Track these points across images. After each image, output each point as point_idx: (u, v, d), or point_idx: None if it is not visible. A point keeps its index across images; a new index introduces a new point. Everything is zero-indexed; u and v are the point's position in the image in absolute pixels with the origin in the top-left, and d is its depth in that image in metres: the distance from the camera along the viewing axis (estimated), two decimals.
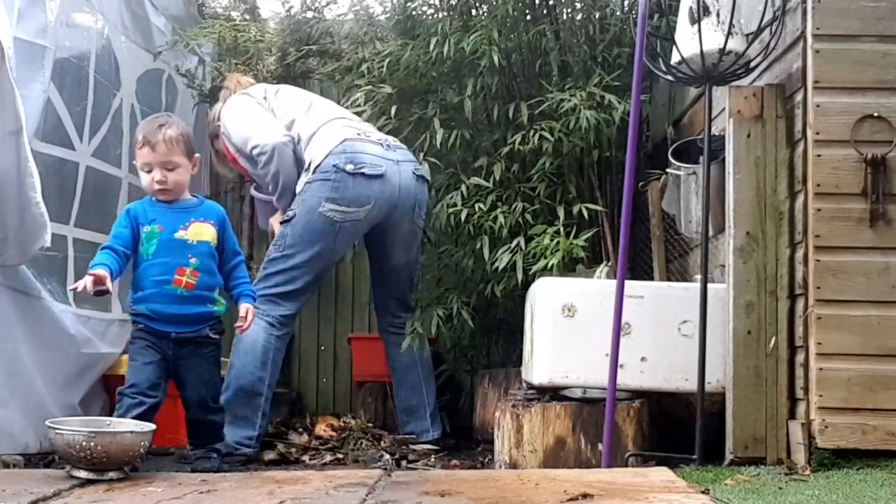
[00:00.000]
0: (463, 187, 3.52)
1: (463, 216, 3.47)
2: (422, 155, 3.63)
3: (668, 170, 3.28)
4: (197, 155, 2.90)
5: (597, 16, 3.71)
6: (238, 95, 3.63)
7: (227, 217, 2.92)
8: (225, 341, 3.39)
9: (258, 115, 3.53)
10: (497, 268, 3.36)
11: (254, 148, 3.45)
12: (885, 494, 2.12)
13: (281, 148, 3.44)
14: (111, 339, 3.52)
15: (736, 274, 2.78)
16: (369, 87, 3.74)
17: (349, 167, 3.37)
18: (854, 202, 2.61)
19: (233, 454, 3.19)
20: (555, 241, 3.28)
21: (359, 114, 3.74)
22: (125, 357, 3.52)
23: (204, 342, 2.83)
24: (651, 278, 3.55)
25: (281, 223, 3.49)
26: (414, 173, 3.56)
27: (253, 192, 4.30)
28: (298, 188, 3.49)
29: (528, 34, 3.75)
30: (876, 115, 2.63)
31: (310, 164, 3.45)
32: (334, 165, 3.37)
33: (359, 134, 3.49)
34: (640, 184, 3.45)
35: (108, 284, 2.61)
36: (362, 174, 3.38)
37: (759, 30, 2.82)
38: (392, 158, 3.49)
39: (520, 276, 3.29)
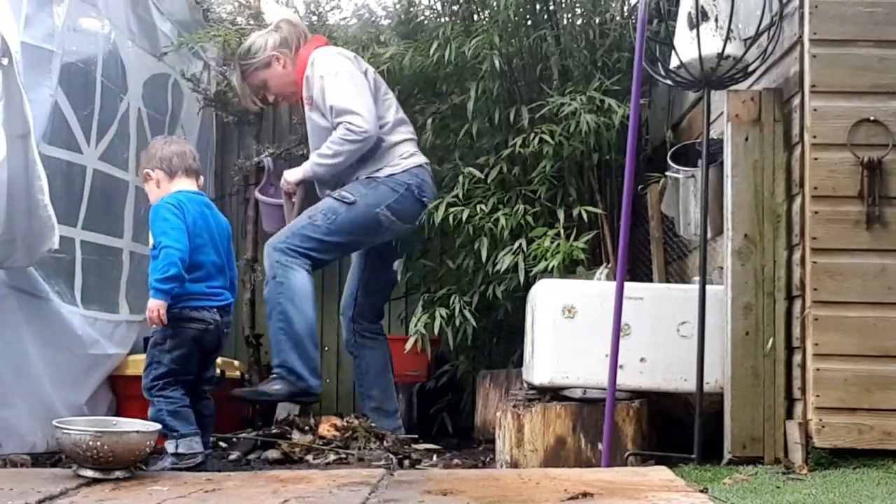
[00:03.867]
0: (461, 178, 3.63)
1: (464, 216, 3.52)
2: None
3: (667, 173, 3.30)
4: (145, 171, 3.06)
5: (597, 21, 3.74)
6: (338, 55, 3.71)
7: (157, 210, 2.93)
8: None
9: (366, 94, 3.64)
10: (499, 269, 3.41)
11: (352, 123, 3.54)
12: (881, 493, 2.14)
13: (371, 139, 3.60)
14: (118, 339, 3.54)
15: (734, 276, 2.81)
16: None
17: (416, 192, 3.65)
18: (851, 205, 2.64)
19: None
20: (555, 244, 3.31)
21: None
22: (131, 358, 3.57)
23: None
24: (650, 280, 3.58)
25: (337, 198, 3.59)
26: None
27: (258, 195, 4.33)
28: (364, 174, 3.63)
29: (529, 39, 3.79)
30: (872, 118, 2.65)
31: (383, 167, 3.64)
32: (407, 184, 3.64)
33: (427, 164, 3.77)
34: (640, 187, 3.48)
35: None
36: (421, 201, 3.67)
37: (757, 34, 2.85)
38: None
39: (522, 277, 3.33)
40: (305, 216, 3.60)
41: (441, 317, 3.53)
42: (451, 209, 3.55)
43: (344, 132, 3.55)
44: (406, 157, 3.68)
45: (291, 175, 3.70)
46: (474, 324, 3.54)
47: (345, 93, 3.58)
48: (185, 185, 3.03)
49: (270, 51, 3.73)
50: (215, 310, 2.94)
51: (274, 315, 3.50)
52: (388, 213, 3.60)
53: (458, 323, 3.54)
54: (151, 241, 2.95)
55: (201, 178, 3.13)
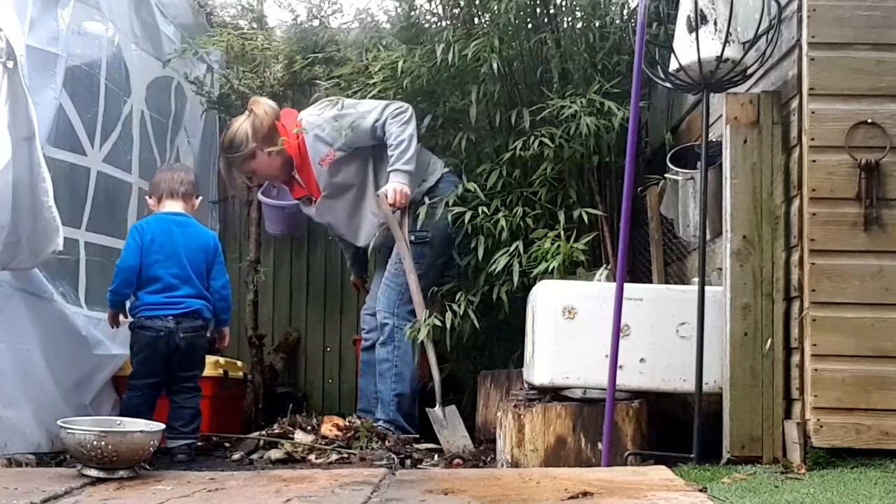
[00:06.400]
0: (461, 188, 3.68)
1: (467, 218, 3.54)
2: None
3: (666, 175, 3.32)
4: (145, 197, 3.46)
5: (597, 24, 3.76)
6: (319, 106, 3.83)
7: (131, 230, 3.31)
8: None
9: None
10: (495, 270, 3.43)
11: (397, 109, 3.69)
12: (878, 492, 2.16)
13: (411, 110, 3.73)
14: (122, 340, 3.56)
15: (733, 277, 2.83)
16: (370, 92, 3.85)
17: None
18: (848, 206, 2.66)
19: None
20: (556, 245, 3.34)
21: None
22: None
23: None
24: (650, 281, 3.60)
25: (416, 242, 3.73)
26: None
27: (260, 196, 4.36)
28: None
29: (530, 42, 3.81)
30: (870, 121, 2.67)
31: (427, 173, 3.82)
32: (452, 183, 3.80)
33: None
34: (639, 189, 3.50)
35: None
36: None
37: (756, 38, 2.87)
38: None
39: (516, 279, 3.35)
40: (402, 274, 3.70)
41: (452, 311, 3.54)
42: (455, 208, 3.58)
43: (394, 117, 3.66)
44: (438, 163, 3.86)
45: (403, 188, 3.66)
46: (477, 325, 3.57)
47: (361, 102, 3.75)
48: (170, 206, 3.33)
49: (253, 142, 3.75)
50: (171, 318, 3.19)
51: (388, 376, 3.70)
52: (450, 222, 3.72)
53: (458, 324, 3.56)
54: None
55: (196, 199, 3.38)
